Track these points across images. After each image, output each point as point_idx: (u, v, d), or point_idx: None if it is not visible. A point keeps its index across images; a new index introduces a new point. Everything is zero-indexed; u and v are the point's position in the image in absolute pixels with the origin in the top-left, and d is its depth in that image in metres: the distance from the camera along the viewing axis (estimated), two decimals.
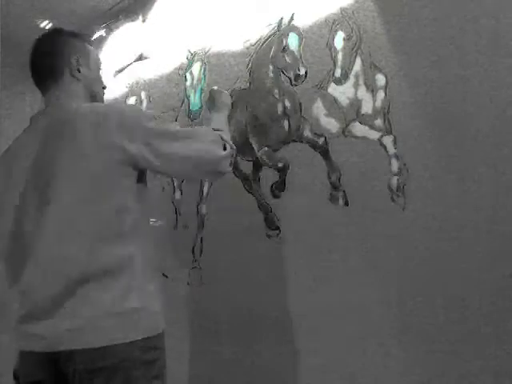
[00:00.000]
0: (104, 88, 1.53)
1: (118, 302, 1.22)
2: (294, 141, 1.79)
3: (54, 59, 1.39)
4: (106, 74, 2.75)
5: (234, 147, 1.43)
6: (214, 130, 1.42)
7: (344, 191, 1.62)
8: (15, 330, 1.30)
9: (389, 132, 1.52)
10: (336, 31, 1.69)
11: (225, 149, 1.38)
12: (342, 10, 1.67)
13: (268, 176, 1.87)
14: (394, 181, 1.49)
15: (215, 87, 1.78)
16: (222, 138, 1.39)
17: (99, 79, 1.50)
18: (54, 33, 1.46)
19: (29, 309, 1.26)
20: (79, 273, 1.21)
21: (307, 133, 1.75)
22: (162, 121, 1.39)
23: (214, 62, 2.16)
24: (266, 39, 1.91)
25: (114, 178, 1.26)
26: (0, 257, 1.37)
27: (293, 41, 1.82)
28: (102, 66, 1.53)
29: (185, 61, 2.31)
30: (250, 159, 1.95)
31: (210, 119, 1.60)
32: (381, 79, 1.55)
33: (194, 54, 2.26)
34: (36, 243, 1.26)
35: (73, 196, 1.24)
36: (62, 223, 1.24)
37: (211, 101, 1.71)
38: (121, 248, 1.25)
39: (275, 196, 1.84)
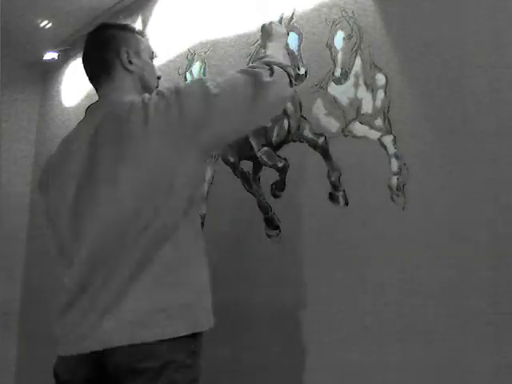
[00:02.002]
0: (159, 78, 1.51)
1: (165, 298, 1.22)
2: (294, 140, 1.79)
3: (104, 54, 1.38)
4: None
5: (286, 63, 1.34)
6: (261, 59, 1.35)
7: (344, 191, 1.62)
8: (57, 326, 1.29)
9: (389, 132, 1.52)
10: (336, 31, 1.69)
11: (272, 74, 1.29)
12: (342, 9, 1.67)
13: (268, 176, 1.87)
14: (394, 180, 1.49)
15: (266, 23, 1.67)
16: (267, 63, 1.32)
17: (152, 69, 1.48)
18: (101, 28, 1.45)
19: (70, 303, 1.25)
20: (131, 269, 1.20)
21: (307, 132, 1.75)
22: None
23: (213, 62, 2.16)
24: None
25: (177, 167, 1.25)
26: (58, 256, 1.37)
27: (293, 40, 1.82)
28: (155, 55, 1.53)
29: (185, 60, 2.31)
30: (250, 159, 1.95)
31: (266, 51, 1.52)
32: (381, 79, 1.55)
33: (193, 54, 2.27)
34: (90, 238, 1.24)
35: (133, 192, 1.22)
36: (120, 220, 1.23)
37: (265, 36, 1.62)
38: (173, 246, 1.24)
39: (275, 196, 1.84)
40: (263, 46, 1.60)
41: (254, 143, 1.93)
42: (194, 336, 1.27)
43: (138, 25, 2.63)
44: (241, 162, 1.99)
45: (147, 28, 2.58)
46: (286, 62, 1.37)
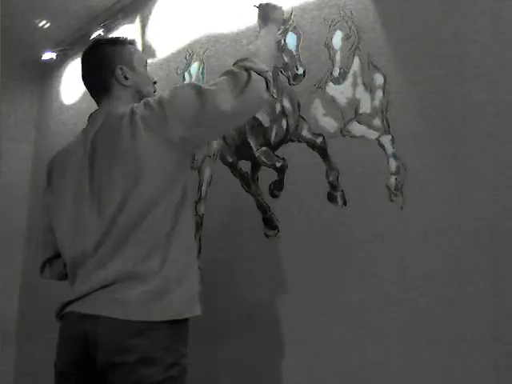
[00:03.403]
0: (155, 83, 1.59)
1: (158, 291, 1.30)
2: (293, 140, 1.79)
3: (100, 74, 1.48)
4: None
5: (263, 68, 1.41)
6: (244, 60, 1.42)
7: (342, 190, 1.62)
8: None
9: (387, 131, 1.52)
10: (334, 30, 1.69)
11: (249, 79, 1.36)
12: (341, 9, 1.67)
13: (266, 176, 1.87)
14: (393, 180, 1.49)
15: (264, 2, 1.70)
16: (246, 69, 1.38)
17: (147, 78, 1.56)
18: (94, 48, 1.54)
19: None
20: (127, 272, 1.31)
21: (305, 132, 1.74)
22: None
23: (212, 62, 2.16)
24: None
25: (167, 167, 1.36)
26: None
27: (291, 40, 1.82)
28: (147, 63, 1.60)
29: (183, 60, 2.31)
30: (249, 159, 1.95)
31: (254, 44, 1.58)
32: (379, 78, 1.55)
33: (192, 54, 2.26)
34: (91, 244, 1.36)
35: (127, 196, 1.33)
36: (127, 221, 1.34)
37: (262, 16, 1.67)
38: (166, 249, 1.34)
39: (274, 195, 1.84)
40: (259, 25, 1.66)
41: (252, 143, 1.93)
42: (173, 327, 1.33)
43: (136, 24, 2.63)
44: (239, 161, 1.99)
45: (146, 27, 2.58)
46: (269, 56, 1.45)
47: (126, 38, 1.57)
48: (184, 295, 1.35)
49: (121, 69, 1.47)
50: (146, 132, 1.33)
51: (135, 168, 1.33)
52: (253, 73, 1.37)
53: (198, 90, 1.35)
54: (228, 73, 1.40)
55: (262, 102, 1.45)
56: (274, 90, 1.85)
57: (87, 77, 1.53)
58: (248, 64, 1.40)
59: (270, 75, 1.43)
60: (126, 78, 1.48)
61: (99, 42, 1.58)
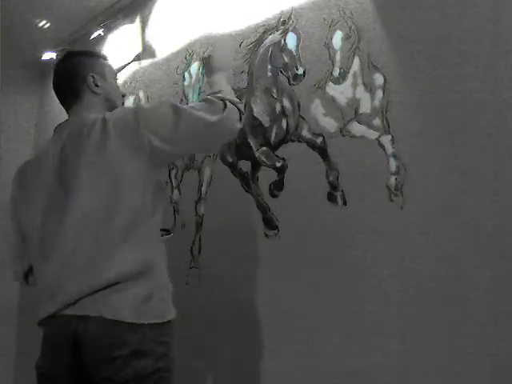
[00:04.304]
0: (123, 96, 1.66)
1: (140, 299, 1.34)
2: (293, 140, 1.79)
3: (73, 81, 1.53)
4: None
5: (237, 101, 1.47)
6: (213, 94, 1.47)
7: (342, 190, 1.62)
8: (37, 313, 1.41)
9: (387, 131, 1.52)
10: (334, 31, 1.69)
11: (225, 108, 1.41)
12: (341, 9, 1.67)
13: (266, 176, 1.87)
14: (392, 180, 1.49)
15: (207, 55, 1.70)
16: (221, 99, 1.43)
17: (116, 89, 1.62)
18: (68, 58, 1.60)
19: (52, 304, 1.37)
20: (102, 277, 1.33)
21: (305, 132, 1.74)
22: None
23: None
24: (265, 38, 1.91)
25: (136, 178, 1.38)
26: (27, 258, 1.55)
27: (291, 40, 1.82)
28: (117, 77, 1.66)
29: (183, 60, 2.31)
30: (249, 159, 1.95)
31: (212, 83, 1.60)
32: (379, 78, 1.55)
33: (192, 53, 2.26)
34: (59, 243, 1.38)
35: (94, 199, 1.36)
36: (84, 224, 1.36)
37: (208, 69, 1.66)
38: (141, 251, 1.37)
39: (273, 195, 1.84)
40: (208, 76, 1.64)
41: (252, 143, 1.93)
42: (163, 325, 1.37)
43: (136, 24, 2.63)
44: (239, 161, 1.99)
45: (146, 27, 2.58)
46: (233, 97, 1.50)
47: (98, 52, 1.67)
48: (168, 298, 1.41)
49: (92, 76, 1.52)
50: (117, 139, 1.37)
51: (107, 175, 1.36)
52: (228, 102, 1.43)
53: (174, 108, 1.40)
54: (205, 100, 1.46)
55: (234, 131, 1.48)
56: (274, 90, 1.85)
57: (59, 85, 1.57)
58: (222, 95, 1.46)
59: (241, 106, 1.50)
60: (97, 86, 1.52)
61: (72, 53, 1.65)
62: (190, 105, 1.48)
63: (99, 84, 1.52)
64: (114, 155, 1.36)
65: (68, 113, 1.55)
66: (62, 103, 1.57)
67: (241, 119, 1.47)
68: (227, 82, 1.57)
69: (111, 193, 1.36)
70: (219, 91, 1.48)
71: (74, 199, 1.37)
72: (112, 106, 1.54)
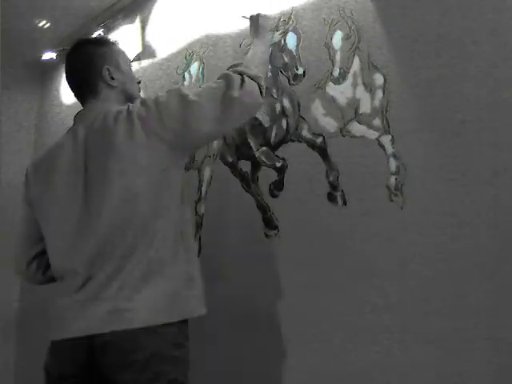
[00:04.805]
0: (139, 83, 1.61)
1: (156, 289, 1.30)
2: (293, 140, 1.79)
3: (87, 77, 1.48)
4: None
5: (258, 75, 1.44)
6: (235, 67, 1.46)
7: (342, 191, 1.62)
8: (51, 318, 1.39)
9: (387, 131, 1.52)
10: (334, 30, 1.69)
11: (243, 83, 1.39)
12: (341, 9, 1.67)
13: (266, 176, 1.87)
14: (393, 180, 1.49)
15: (255, 13, 1.75)
16: (240, 73, 1.42)
17: (132, 78, 1.56)
18: (79, 48, 1.53)
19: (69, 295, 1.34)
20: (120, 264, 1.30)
21: (305, 132, 1.74)
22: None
23: (212, 62, 2.16)
24: None
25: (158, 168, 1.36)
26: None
27: (291, 40, 1.82)
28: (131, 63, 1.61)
29: (183, 60, 2.31)
30: (249, 159, 1.95)
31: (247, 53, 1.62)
32: (379, 79, 1.55)
33: (192, 54, 2.26)
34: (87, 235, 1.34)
35: (121, 196, 1.32)
36: (113, 220, 1.33)
37: (254, 26, 1.72)
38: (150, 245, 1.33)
39: (273, 195, 1.84)
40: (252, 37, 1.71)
41: (252, 143, 1.93)
42: (180, 325, 1.35)
43: (136, 24, 2.63)
44: (239, 161, 1.99)
45: (146, 27, 2.58)
46: (263, 64, 1.49)
47: (109, 39, 1.60)
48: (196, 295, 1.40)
49: (107, 69, 1.47)
50: (143, 131, 1.33)
51: (133, 166, 1.33)
52: (246, 77, 1.40)
53: (184, 98, 1.36)
54: (223, 76, 1.43)
55: (255, 106, 1.46)
56: (274, 90, 1.85)
57: (73, 77, 1.52)
58: (241, 69, 1.43)
59: (263, 81, 1.46)
60: (113, 79, 1.48)
61: (85, 42, 1.58)
62: (207, 84, 1.46)
63: (115, 76, 1.48)
64: (140, 147, 1.33)
65: (83, 106, 1.51)
66: (76, 96, 1.54)
67: (261, 93, 1.44)
68: (263, 53, 1.58)
69: (133, 185, 1.33)
70: (240, 64, 1.46)
71: (98, 193, 1.34)
72: (130, 96, 1.51)
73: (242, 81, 1.39)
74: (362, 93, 1.59)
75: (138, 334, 1.26)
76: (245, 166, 1.97)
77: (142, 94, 2.55)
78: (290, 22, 1.83)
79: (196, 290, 1.40)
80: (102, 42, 1.57)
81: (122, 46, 1.60)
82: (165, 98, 1.38)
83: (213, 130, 1.41)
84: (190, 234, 1.49)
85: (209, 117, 1.36)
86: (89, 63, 1.48)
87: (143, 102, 1.39)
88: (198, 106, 1.35)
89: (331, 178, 1.65)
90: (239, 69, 1.43)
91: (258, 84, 1.44)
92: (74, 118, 1.50)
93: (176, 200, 1.39)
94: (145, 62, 2.56)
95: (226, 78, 1.40)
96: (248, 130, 1.93)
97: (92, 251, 1.33)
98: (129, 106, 1.39)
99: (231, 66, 1.47)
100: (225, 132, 1.80)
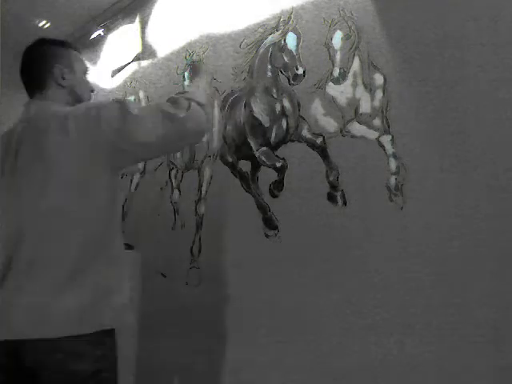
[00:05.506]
0: (92, 91, 1.59)
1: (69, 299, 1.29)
2: (292, 140, 1.79)
3: (38, 69, 1.48)
4: (104, 73, 2.75)
5: (204, 102, 1.45)
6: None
7: (342, 190, 1.62)
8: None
9: (387, 131, 1.52)
10: (334, 31, 1.69)
11: (189, 107, 1.39)
12: (341, 9, 1.67)
13: (266, 176, 1.87)
14: (392, 180, 1.49)
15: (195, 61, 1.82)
16: (187, 98, 1.41)
17: (85, 83, 1.55)
18: (38, 44, 1.54)
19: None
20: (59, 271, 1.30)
21: (305, 132, 1.74)
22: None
23: (211, 62, 2.16)
24: (265, 38, 1.91)
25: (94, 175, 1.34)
26: None
27: (291, 40, 1.82)
28: (89, 71, 1.59)
29: (183, 60, 2.31)
30: (249, 159, 1.95)
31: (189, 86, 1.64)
32: (379, 79, 1.55)
33: (192, 54, 2.26)
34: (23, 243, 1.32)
35: (54, 198, 1.31)
36: (50, 222, 1.31)
37: (193, 72, 1.75)
38: (79, 251, 1.32)
39: (274, 195, 1.84)
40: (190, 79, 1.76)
41: (252, 143, 1.93)
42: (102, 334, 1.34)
43: (136, 24, 2.63)
44: (239, 161, 1.99)
45: (146, 27, 2.58)
46: (203, 99, 1.49)
47: (71, 43, 1.60)
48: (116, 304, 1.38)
49: (60, 68, 1.47)
50: (77, 137, 1.32)
51: (57, 174, 1.32)
52: (193, 102, 1.41)
53: (124, 109, 1.34)
54: (170, 99, 1.43)
55: (198, 130, 1.44)
56: (274, 90, 1.85)
57: (25, 71, 1.53)
58: (188, 95, 1.45)
59: (208, 109, 1.49)
60: (63, 78, 1.47)
61: (44, 40, 1.57)
62: (150, 105, 1.50)
63: (66, 76, 1.47)
64: (72, 152, 1.31)
65: (30, 99, 1.50)
66: (26, 90, 1.53)
67: (207, 120, 1.45)
68: (207, 86, 1.59)
69: (64, 191, 1.31)
70: (187, 92, 1.48)
71: (24, 191, 1.33)
72: (79, 99, 1.49)
73: (189, 105, 1.39)
74: (361, 93, 1.59)
75: (53, 341, 1.27)
76: (245, 166, 1.97)
77: (142, 94, 2.57)
78: (290, 22, 1.83)
79: (114, 301, 1.37)
80: (61, 43, 1.56)
81: (81, 55, 1.61)
82: (107, 107, 1.36)
83: (149, 143, 1.36)
84: (117, 244, 1.44)
85: (147, 130, 1.33)
86: (42, 59, 1.49)
87: (87, 107, 1.38)
88: (137, 118, 1.33)
89: (331, 178, 1.65)
90: (186, 95, 1.44)
91: (205, 111, 1.44)
92: (24, 106, 1.49)
93: (102, 210, 1.37)
94: (145, 62, 2.56)
95: (173, 100, 1.41)
96: (248, 129, 1.93)
97: (20, 256, 1.32)
98: (66, 112, 1.37)
99: (177, 94, 1.49)
100: (163, 150, 1.65)
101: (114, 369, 1.36)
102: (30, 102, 1.48)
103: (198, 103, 1.42)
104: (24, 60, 1.53)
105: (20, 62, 1.54)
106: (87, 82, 1.57)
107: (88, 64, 1.63)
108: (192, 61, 1.80)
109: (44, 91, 1.46)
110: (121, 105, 1.35)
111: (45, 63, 1.47)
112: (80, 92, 1.51)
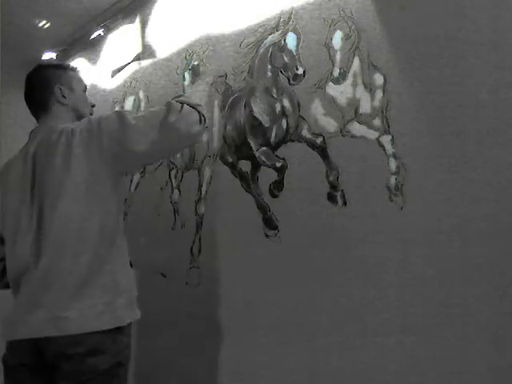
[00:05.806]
0: (93, 106, 1.73)
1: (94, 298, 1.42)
2: (292, 140, 1.79)
3: (40, 93, 1.61)
4: (104, 73, 2.75)
5: (199, 104, 1.54)
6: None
7: (342, 191, 1.62)
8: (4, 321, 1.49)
9: (387, 131, 1.52)
10: (334, 31, 1.69)
11: (181, 110, 1.49)
12: (341, 9, 1.67)
13: (266, 176, 1.87)
14: (393, 180, 1.49)
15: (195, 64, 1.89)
16: (181, 102, 1.52)
17: (84, 99, 1.69)
18: (37, 70, 1.67)
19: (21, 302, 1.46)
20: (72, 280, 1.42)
21: (305, 132, 1.74)
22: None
23: (212, 62, 2.16)
24: (265, 38, 1.91)
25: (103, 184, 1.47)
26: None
27: (291, 40, 1.82)
28: (87, 88, 1.73)
29: (183, 60, 2.31)
30: (249, 159, 1.95)
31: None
32: (379, 78, 1.55)
33: (192, 54, 2.26)
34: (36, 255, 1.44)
35: (67, 207, 1.43)
36: (61, 233, 1.43)
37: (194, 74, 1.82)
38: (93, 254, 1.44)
39: (274, 195, 1.84)
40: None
41: (252, 143, 1.93)
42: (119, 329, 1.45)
43: (136, 24, 2.63)
44: (239, 161, 1.99)
45: (146, 27, 2.58)
46: (202, 101, 1.60)
47: (68, 64, 1.74)
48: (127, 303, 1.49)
49: (60, 88, 1.60)
50: (81, 148, 1.44)
51: (69, 184, 1.43)
52: (185, 105, 1.50)
53: (123, 120, 1.46)
54: (166, 104, 1.52)
55: (191, 132, 1.53)
56: (274, 90, 1.85)
57: (28, 96, 1.65)
58: (182, 99, 1.56)
59: (204, 110, 1.57)
60: (64, 97, 1.60)
61: (42, 66, 1.72)
62: (149, 109, 1.59)
63: (66, 95, 1.60)
64: (80, 165, 1.43)
65: (38, 122, 1.62)
66: (32, 114, 1.65)
67: (201, 122, 1.53)
68: (205, 89, 1.70)
69: (74, 201, 1.43)
70: (182, 95, 1.58)
71: (44, 205, 1.45)
72: (80, 115, 1.62)
73: (181, 108, 1.49)
74: (361, 93, 1.59)
75: (74, 336, 1.38)
76: (245, 166, 1.97)
77: (142, 94, 2.57)
78: (290, 22, 1.83)
79: (123, 297, 1.48)
80: (60, 66, 1.71)
81: (79, 73, 1.71)
82: (106, 119, 1.49)
83: (147, 151, 1.48)
84: (124, 243, 1.56)
85: (144, 138, 1.45)
86: (43, 82, 1.61)
87: (89, 122, 1.51)
88: (134, 128, 1.45)
89: (331, 178, 1.65)
90: (181, 98, 1.55)
91: (199, 112, 1.53)
92: (29, 135, 1.60)
93: (110, 213, 1.48)
94: (145, 62, 2.56)
95: (167, 105, 1.51)
96: (248, 129, 1.93)
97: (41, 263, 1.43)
98: (74, 125, 1.50)
99: (174, 97, 1.58)
100: (162, 155, 1.89)
101: (128, 363, 1.48)
102: (37, 128, 1.60)
103: (191, 105, 1.52)
104: (26, 86, 1.66)
105: (24, 87, 1.66)
106: (87, 98, 1.71)
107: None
108: (193, 65, 1.86)
109: (48, 111, 1.59)
110: (120, 116, 1.48)
111: (46, 86, 1.60)
112: (81, 108, 1.65)
